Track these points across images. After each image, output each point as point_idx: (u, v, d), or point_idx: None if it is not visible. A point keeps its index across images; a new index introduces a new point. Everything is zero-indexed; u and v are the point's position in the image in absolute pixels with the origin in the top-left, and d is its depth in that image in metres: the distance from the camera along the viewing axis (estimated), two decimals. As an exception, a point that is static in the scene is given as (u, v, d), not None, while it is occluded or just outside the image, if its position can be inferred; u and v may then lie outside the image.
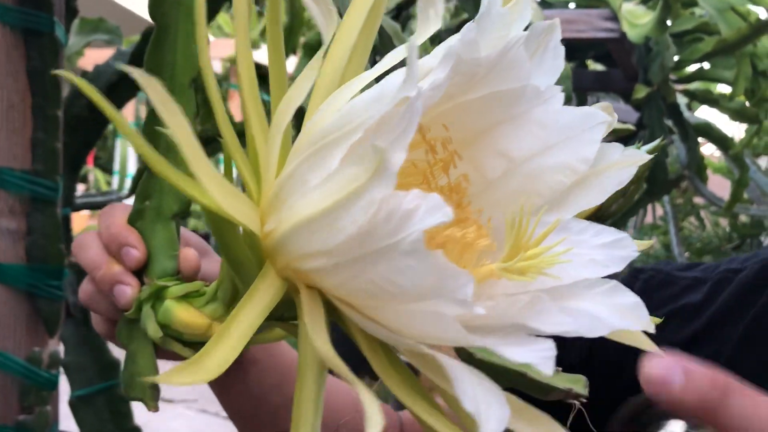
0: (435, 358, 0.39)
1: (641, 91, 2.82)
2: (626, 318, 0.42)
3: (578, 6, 2.99)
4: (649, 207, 4.87)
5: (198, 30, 0.42)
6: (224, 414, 0.78)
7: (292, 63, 2.51)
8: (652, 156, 0.48)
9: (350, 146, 0.39)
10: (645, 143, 0.57)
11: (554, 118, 0.46)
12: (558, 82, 0.47)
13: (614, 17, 2.73)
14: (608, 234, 0.45)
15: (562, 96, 0.46)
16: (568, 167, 0.46)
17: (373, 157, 0.36)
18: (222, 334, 0.41)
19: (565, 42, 0.47)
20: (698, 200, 5.42)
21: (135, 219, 0.58)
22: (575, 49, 3.12)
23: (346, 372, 0.37)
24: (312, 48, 2.34)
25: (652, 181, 2.90)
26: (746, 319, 0.82)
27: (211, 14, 1.42)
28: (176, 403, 4.49)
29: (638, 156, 0.47)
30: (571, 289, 0.43)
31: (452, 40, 0.41)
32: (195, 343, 0.54)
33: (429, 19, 0.41)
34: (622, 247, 0.45)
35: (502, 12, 0.43)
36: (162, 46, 0.52)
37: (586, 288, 0.43)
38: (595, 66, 3.53)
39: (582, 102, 3.29)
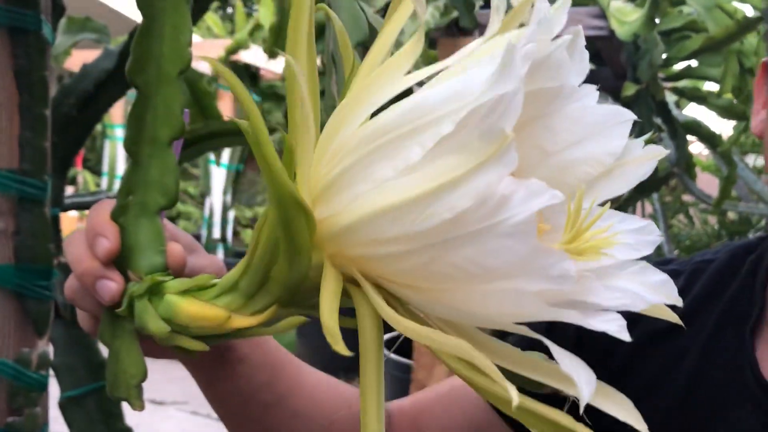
0: (528, 334, 0.44)
1: (630, 89, 2.84)
2: (659, 294, 0.47)
3: (567, 4, 2.99)
4: (639, 205, 4.89)
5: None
6: (216, 416, 0.77)
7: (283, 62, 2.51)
8: (668, 152, 0.53)
9: (440, 137, 0.41)
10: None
11: (586, 114, 0.50)
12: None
13: (603, 15, 2.75)
14: (633, 221, 0.50)
15: (596, 95, 0.50)
16: (596, 160, 0.50)
17: (483, 144, 0.38)
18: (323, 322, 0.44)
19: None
20: (687, 198, 5.45)
21: (118, 214, 0.56)
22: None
23: (443, 338, 0.40)
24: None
25: (642, 179, 2.90)
26: (719, 307, 0.84)
27: (199, 14, 1.41)
28: (167, 405, 4.47)
29: (658, 151, 0.51)
30: (610, 269, 0.47)
31: (518, 39, 0.43)
32: (203, 337, 0.53)
33: (493, 24, 0.47)
34: (648, 233, 0.50)
35: (548, 17, 0.46)
36: (149, 37, 0.52)
37: (620, 268, 0.48)
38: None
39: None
